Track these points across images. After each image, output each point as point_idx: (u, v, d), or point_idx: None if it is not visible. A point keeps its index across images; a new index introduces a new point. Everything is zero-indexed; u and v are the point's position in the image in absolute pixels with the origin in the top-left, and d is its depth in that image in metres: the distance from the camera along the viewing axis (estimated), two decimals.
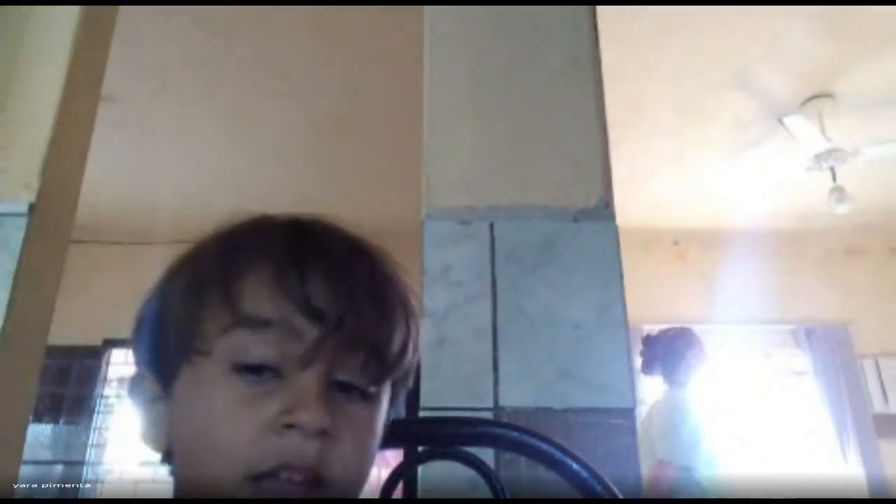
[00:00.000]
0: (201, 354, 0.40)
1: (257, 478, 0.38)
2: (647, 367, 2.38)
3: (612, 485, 0.58)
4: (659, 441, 2.15)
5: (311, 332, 0.40)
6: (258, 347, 0.40)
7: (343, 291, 0.41)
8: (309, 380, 0.40)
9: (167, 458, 0.44)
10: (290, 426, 0.38)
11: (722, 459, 2.14)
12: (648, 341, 2.41)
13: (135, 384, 0.45)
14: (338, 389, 0.41)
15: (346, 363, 0.41)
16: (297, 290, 0.40)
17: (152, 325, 0.44)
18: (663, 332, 2.41)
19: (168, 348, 0.42)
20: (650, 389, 3.33)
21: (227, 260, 0.42)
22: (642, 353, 2.40)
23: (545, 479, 0.60)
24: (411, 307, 0.46)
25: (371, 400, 0.43)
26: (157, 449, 0.44)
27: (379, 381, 0.44)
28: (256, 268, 0.41)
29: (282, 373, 0.40)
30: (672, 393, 2.30)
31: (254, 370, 0.40)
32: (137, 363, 0.46)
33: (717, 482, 2.08)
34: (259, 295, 0.40)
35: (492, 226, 0.93)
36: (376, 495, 0.63)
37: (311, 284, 0.40)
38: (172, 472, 0.44)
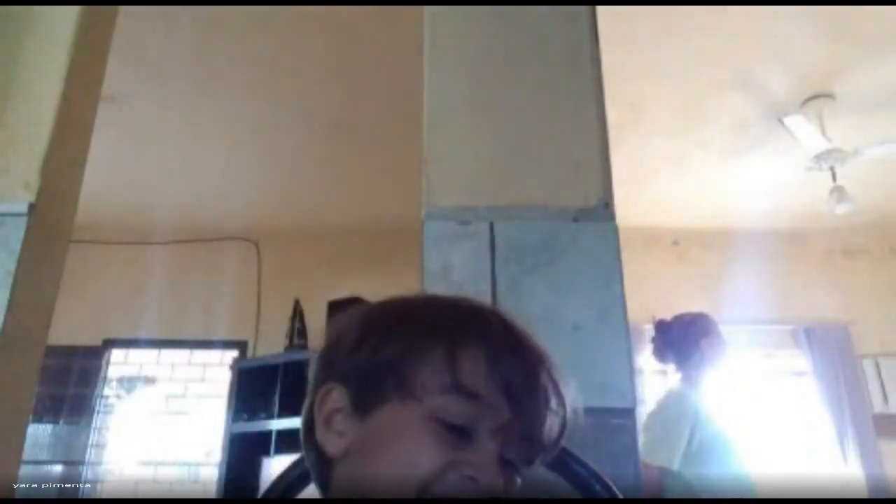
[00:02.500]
0: (415, 399, 0.48)
1: (423, 499, 0.46)
2: (659, 355, 2.24)
3: (612, 485, 0.58)
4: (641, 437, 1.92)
5: (506, 413, 0.48)
6: (464, 413, 0.48)
7: (535, 388, 0.50)
8: (493, 450, 0.48)
9: (328, 462, 0.51)
10: (472, 479, 0.47)
11: (725, 460, 2.03)
12: (661, 327, 2.27)
13: (323, 395, 0.52)
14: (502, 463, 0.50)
15: (518, 446, 0.50)
16: (507, 375, 0.49)
17: (366, 356, 0.52)
18: (678, 318, 2.27)
19: (380, 383, 0.50)
20: (650, 388, 3.34)
21: (453, 332, 0.51)
22: (654, 340, 2.26)
23: (545, 478, 0.60)
24: (569, 405, 0.53)
25: (519, 476, 0.51)
26: (333, 451, 0.51)
27: (533, 466, 0.52)
28: (474, 346, 0.50)
29: (471, 436, 0.48)
30: (673, 385, 2.16)
31: (451, 427, 0.48)
32: (327, 376, 0.53)
33: (712, 484, 1.90)
34: (477, 371, 0.49)
35: (492, 226, 0.93)
36: None
37: (515, 374, 0.49)
38: (321, 475, 0.52)
